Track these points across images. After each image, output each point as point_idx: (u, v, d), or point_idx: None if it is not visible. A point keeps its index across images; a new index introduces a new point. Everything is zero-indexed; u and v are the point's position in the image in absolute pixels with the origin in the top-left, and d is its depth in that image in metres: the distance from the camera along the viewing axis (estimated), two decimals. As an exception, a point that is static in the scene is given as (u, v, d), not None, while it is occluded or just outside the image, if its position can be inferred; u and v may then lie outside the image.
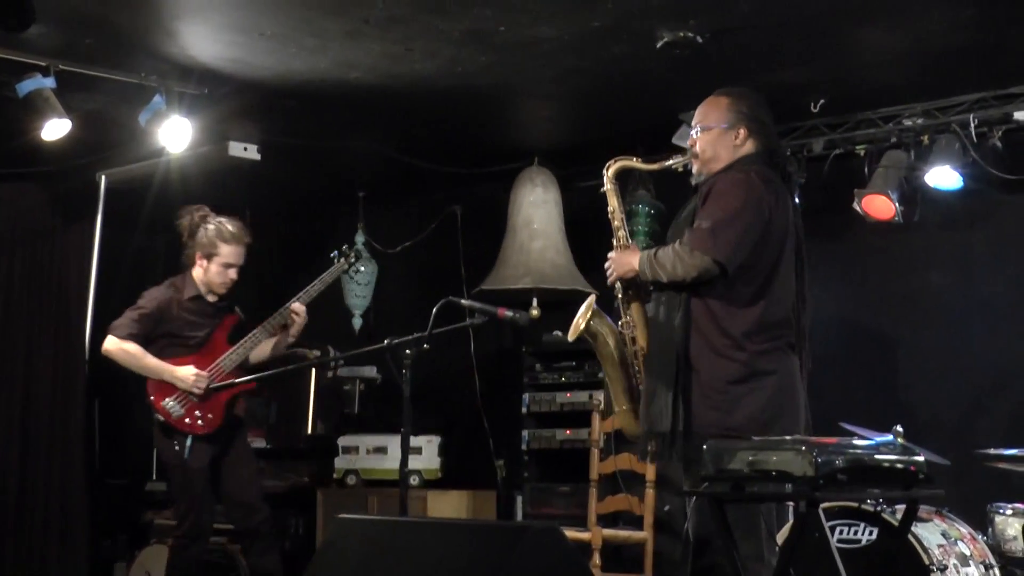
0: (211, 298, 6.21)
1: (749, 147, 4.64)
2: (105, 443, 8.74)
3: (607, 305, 4.87)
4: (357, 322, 8.72)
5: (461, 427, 8.29)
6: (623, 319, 4.74)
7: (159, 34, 6.02)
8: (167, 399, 6.00)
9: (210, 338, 6.18)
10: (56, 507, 8.44)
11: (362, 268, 8.64)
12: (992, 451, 5.30)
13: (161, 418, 6.04)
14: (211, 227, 6.14)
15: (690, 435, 4.41)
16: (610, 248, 4.82)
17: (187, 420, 6.02)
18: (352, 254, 6.45)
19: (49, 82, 6.25)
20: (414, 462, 7.65)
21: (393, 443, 7.82)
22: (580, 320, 4.78)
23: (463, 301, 5.42)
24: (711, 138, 4.67)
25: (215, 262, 6.13)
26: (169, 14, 5.76)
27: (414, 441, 7.52)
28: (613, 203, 4.90)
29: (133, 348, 6.04)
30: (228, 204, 6.66)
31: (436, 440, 8.01)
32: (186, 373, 5.99)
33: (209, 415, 6.05)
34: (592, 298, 4.85)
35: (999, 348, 6.73)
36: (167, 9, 5.70)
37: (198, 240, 6.14)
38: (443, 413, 8.19)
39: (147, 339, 6.08)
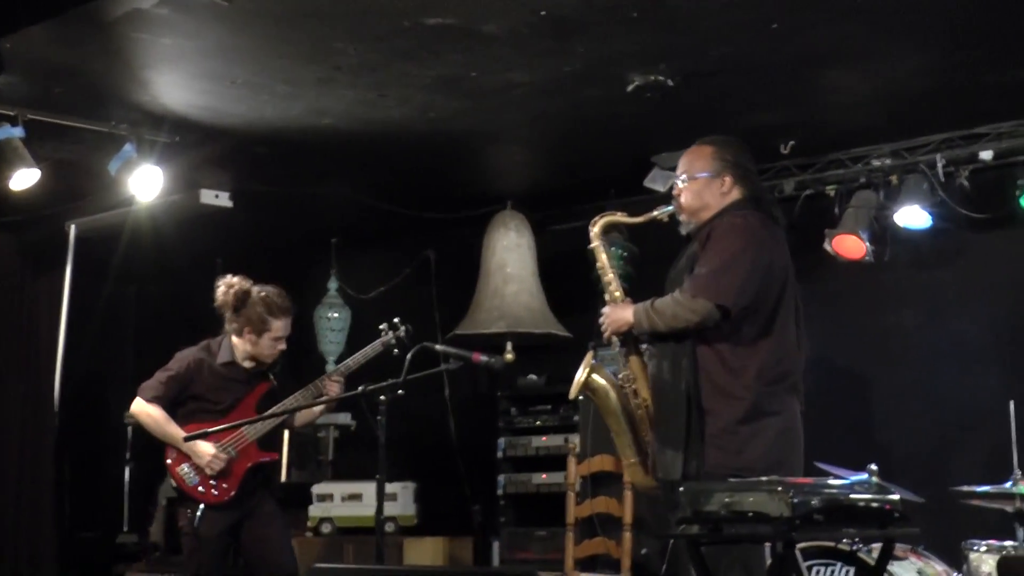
0: (247, 364, 6.04)
1: (736, 194, 4.67)
2: (76, 495, 8.66)
3: (582, 354, 4.87)
4: (331, 368, 8.69)
5: (437, 473, 8.25)
6: (623, 372, 4.72)
7: (130, 83, 6.02)
8: (183, 465, 5.88)
9: (239, 404, 6.01)
10: (25, 559, 8.35)
11: (337, 315, 8.63)
12: (966, 488, 5.30)
13: (175, 484, 5.96)
14: (258, 302, 5.97)
15: (701, 479, 4.38)
16: (582, 291, 4.83)
17: (200, 489, 5.88)
18: (402, 330, 6.28)
19: (18, 131, 6.23)
20: (390, 509, 7.62)
21: (368, 490, 7.78)
22: (580, 376, 4.75)
23: (437, 346, 5.41)
24: (698, 187, 4.69)
25: (266, 337, 5.97)
26: (140, 63, 5.76)
27: (389, 488, 7.48)
28: (602, 259, 4.90)
29: (156, 413, 5.90)
30: (200, 252, 6.64)
31: (411, 486, 7.97)
32: (205, 450, 5.82)
33: (224, 485, 5.89)
34: (591, 354, 4.83)
35: (970, 386, 6.76)
36: (138, 58, 5.69)
37: (247, 316, 5.96)
38: (418, 459, 8.15)
39: (174, 401, 5.95)
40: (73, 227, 7.84)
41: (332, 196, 7.83)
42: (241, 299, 5.97)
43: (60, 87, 6.06)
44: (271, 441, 6.18)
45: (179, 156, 6.78)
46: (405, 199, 7.98)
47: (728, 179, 4.67)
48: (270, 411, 5.95)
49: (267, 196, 7.66)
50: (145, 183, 6.57)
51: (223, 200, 7.29)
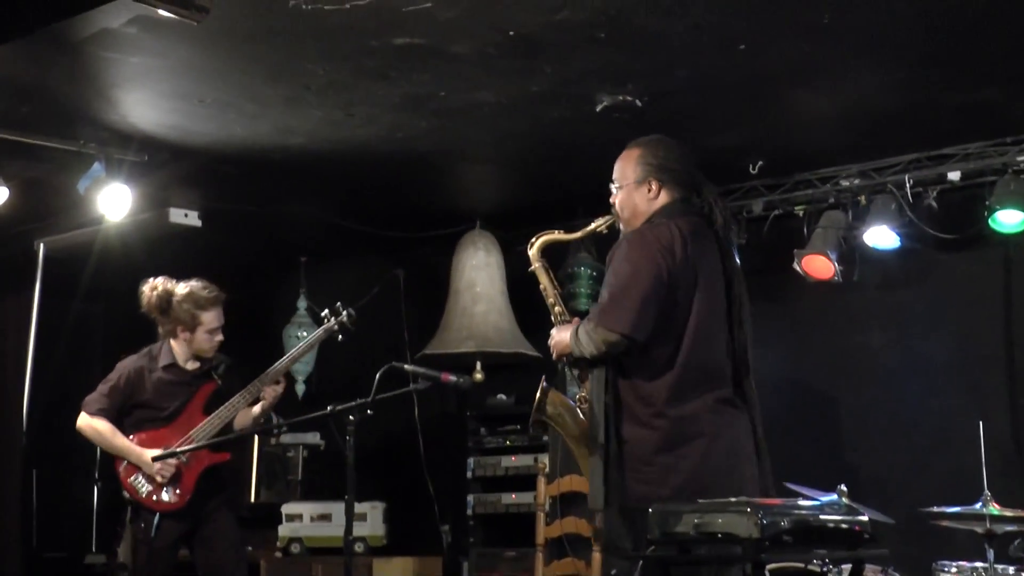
0: (190, 366, 6.03)
1: (664, 198, 4.54)
2: (43, 515, 8.59)
3: (552, 373, 4.84)
4: (300, 388, 8.67)
5: (406, 493, 8.23)
6: (580, 393, 4.63)
7: (98, 102, 5.99)
8: (135, 475, 5.85)
9: (184, 408, 5.98)
10: (-10, 581, 8.30)
11: (306, 333, 8.59)
12: (935, 509, 5.31)
13: (128, 495, 5.91)
14: (184, 299, 5.94)
15: (625, 511, 4.31)
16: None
17: (154, 497, 5.83)
18: (344, 314, 6.25)
19: (-14, 151, 6.21)
20: (359, 529, 7.60)
21: (337, 510, 7.77)
22: (536, 408, 4.69)
23: (406, 366, 5.38)
24: (626, 195, 4.61)
25: (200, 331, 5.96)
26: (108, 82, 5.74)
27: (358, 507, 7.47)
28: (544, 281, 4.83)
29: (102, 426, 5.87)
30: (169, 271, 6.60)
31: (381, 506, 7.95)
32: (149, 461, 5.80)
33: (177, 491, 5.85)
34: (543, 384, 4.76)
35: (937, 406, 6.79)
36: (106, 77, 5.67)
37: (174, 315, 5.94)
38: (388, 479, 8.14)
39: (120, 411, 5.92)
40: (42, 246, 7.79)
41: (301, 215, 7.81)
42: (166, 300, 5.96)
43: (28, 106, 6.03)
44: (240, 456, 6.15)
45: (148, 175, 6.75)
46: (374, 218, 7.96)
47: (655, 183, 4.54)
48: (216, 412, 5.96)
49: (236, 215, 7.64)
50: (114, 202, 6.54)
51: (192, 219, 7.27)
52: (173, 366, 6.00)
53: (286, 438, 8.53)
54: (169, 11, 4.35)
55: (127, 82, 5.77)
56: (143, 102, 6.04)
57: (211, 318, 5.98)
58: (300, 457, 8.56)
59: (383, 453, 7.46)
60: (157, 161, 6.70)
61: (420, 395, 7.05)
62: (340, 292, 8.77)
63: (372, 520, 7.90)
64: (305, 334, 8.57)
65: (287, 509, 8.10)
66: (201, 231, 7.34)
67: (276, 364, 6.17)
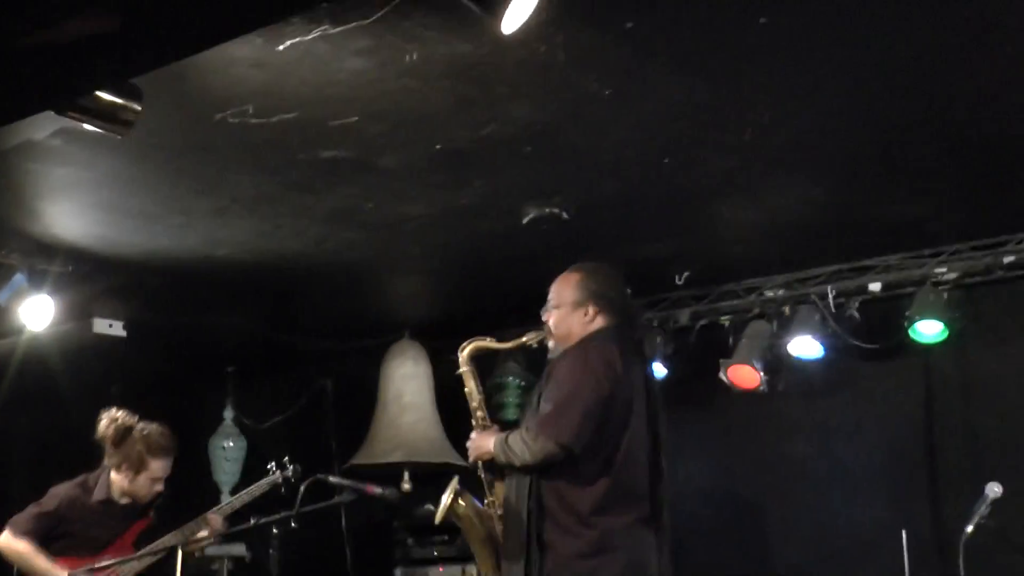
0: (123, 501, 5.90)
1: (599, 322, 4.71)
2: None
3: (477, 480, 4.87)
4: (226, 499, 8.54)
5: (333, 605, 8.12)
6: (488, 498, 4.74)
7: (21, 213, 5.95)
8: None
9: (114, 541, 5.84)
10: None
11: (232, 444, 8.53)
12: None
13: None
14: (139, 439, 5.84)
15: None
16: (485, 422, 4.85)
17: None
18: (290, 469, 6.13)
19: (-93, 263, 6.13)
20: (284, 643, 7.46)
21: (263, 624, 7.63)
22: (444, 503, 4.77)
23: (331, 478, 5.36)
24: (562, 315, 4.77)
25: (143, 476, 5.85)
26: (32, 193, 5.70)
27: (284, 621, 7.34)
28: (470, 385, 4.97)
29: (23, 547, 5.72)
30: (93, 381, 6.54)
31: (307, 619, 7.82)
32: None
33: None
34: (455, 481, 4.84)
35: (861, 514, 6.83)
36: (29, 188, 5.63)
37: (125, 452, 5.83)
38: (314, 591, 8.02)
39: (46, 536, 5.78)
40: (-39, 356, 7.69)
41: (228, 325, 7.77)
42: (122, 434, 5.86)
43: (-52, 218, 5.99)
44: (162, 569, 6.01)
45: (72, 285, 6.69)
46: (302, 328, 7.95)
47: (592, 308, 4.72)
48: (147, 548, 5.78)
49: (162, 325, 7.58)
50: (36, 312, 6.47)
51: (117, 329, 7.21)
52: (108, 500, 5.88)
53: (211, 550, 8.36)
54: (95, 125, 4.35)
55: (51, 193, 5.74)
56: (68, 213, 6.01)
57: (159, 467, 5.89)
58: (225, 569, 8.41)
59: (309, 564, 7.36)
60: (81, 272, 6.64)
61: (348, 505, 7.02)
62: (267, 402, 8.77)
63: (298, 634, 7.76)
64: (231, 444, 8.51)
65: (211, 623, 7.95)
66: (126, 341, 7.27)
67: (216, 509, 6.02)
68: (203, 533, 5.86)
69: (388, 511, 8.17)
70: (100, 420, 5.92)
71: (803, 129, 5.14)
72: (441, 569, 7.73)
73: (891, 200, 6.01)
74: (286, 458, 6.09)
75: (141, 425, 5.91)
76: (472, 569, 7.16)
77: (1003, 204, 6.11)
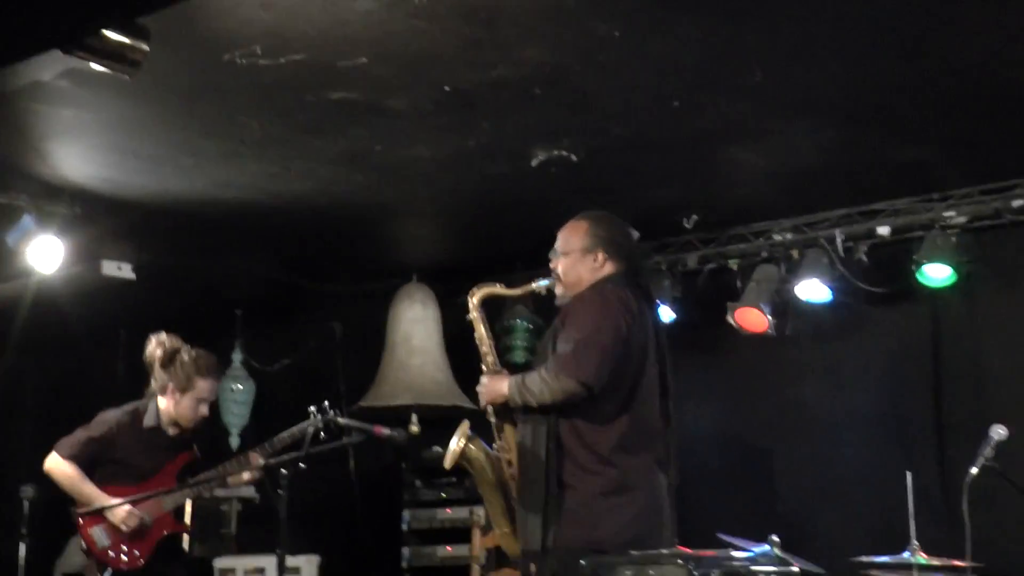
0: (172, 431, 5.96)
1: (608, 269, 4.75)
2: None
3: (484, 425, 4.89)
4: (235, 440, 8.60)
5: (341, 546, 8.17)
6: (497, 443, 4.77)
7: (29, 155, 5.96)
8: (95, 527, 5.76)
9: (159, 471, 5.90)
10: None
11: (241, 386, 8.56)
12: (864, 559, 5.35)
13: (85, 546, 5.82)
14: (187, 359, 5.90)
15: (558, 551, 4.42)
16: (489, 364, 4.88)
17: (111, 553, 5.75)
18: (331, 413, 6.09)
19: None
20: (293, 583, 7.53)
21: (271, 564, 7.68)
22: (455, 448, 4.79)
23: (340, 419, 5.37)
24: (571, 262, 4.80)
25: (189, 396, 5.89)
26: (39, 135, 5.71)
27: (293, 561, 7.41)
28: (480, 330, 4.99)
29: (71, 471, 5.78)
30: (102, 324, 6.56)
31: (315, 560, 7.86)
32: (120, 508, 5.69)
33: (135, 551, 5.77)
34: (465, 424, 4.87)
35: (868, 457, 6.85)
36: (37, 130, 5.64)
37: (173, 372, 5.88)
38: (323, 532, 8.06)
39: (92, 462, 5.83)
40: (-30, 299, 7.71)
41: (237, 268, 7.79)
42: (170, 355, 5.92)
43: (-45, 159, 5.99)
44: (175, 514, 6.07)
45: (80, 228, 6.69)
46: (311, 272, 7.96)
47: (601, 255, 4.75)
48: (192, 481, 5.86)
49: (171, 267, 7.59)
50: (45, 255, 6.47)
51: (126, 272, 7.21)
52: (157, 428, 5.93)
53: (220, 492, 8.44)
54: (102, 65, 4.33)
55: (59, 135, 5.75)
56: (75, 155, 6.01)
57: (206, 387, 5.94)
58: (234, 511, 8.47)
59: (318, 506, 7.39)
60: (89, 214, 6.65)
61: (356, 448, 7.05)
62: (276, 345, 8.79)
63: (307, 573, 7.80)
64: (240, 387, 8.53)
65: (220, 564, 8.00)
66: (135, 284, 7.28)
67: (257, 448, 6.00)
68: (245, 474, 5.91)
69: (396, 453, 8.22)
70: (148, 344, 5.97)
71: (813, 71, 5.12)
72: (449, 511, 7.79)
73: (901, 144, 6.00)
74: (326, 402, 6.07)
75: (188, 347, 5.97)
76: (480, 511, 7.20)
77: (1013, 148, 6.09)
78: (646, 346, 4.65)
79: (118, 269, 7.16)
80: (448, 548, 7.69)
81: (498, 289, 5.08)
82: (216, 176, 6.30)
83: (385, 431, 5.11)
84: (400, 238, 7.67)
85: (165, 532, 5.87)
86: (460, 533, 7.47)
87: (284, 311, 8.80)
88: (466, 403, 7.71)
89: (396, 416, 7.68)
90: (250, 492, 8.39)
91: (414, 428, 7.71)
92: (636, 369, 4.60)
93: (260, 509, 8.37)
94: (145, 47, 4.31)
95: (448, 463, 4.86)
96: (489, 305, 5.16)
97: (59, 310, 7.42)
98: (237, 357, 8.62)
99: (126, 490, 5.78)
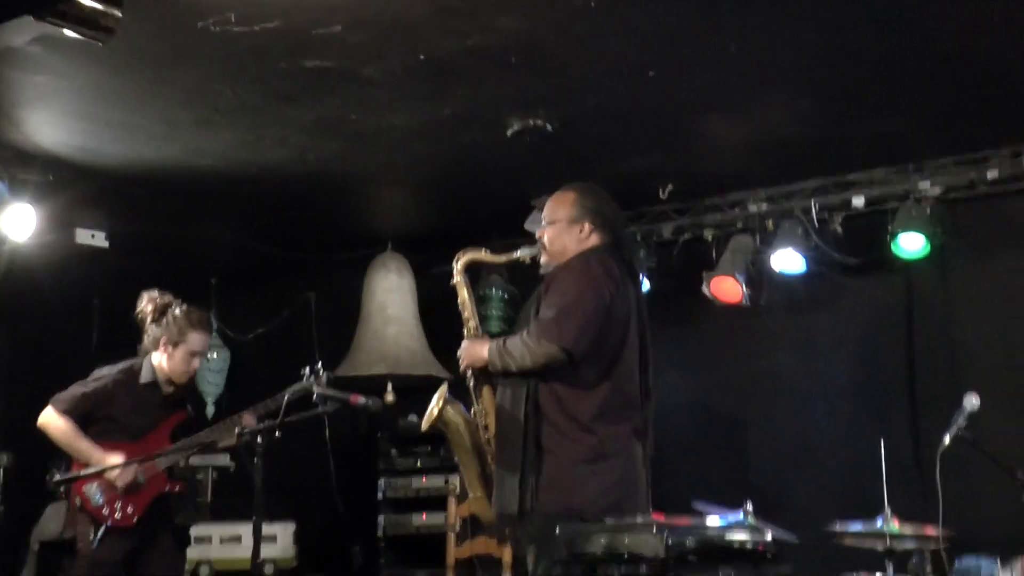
0: (167, 389, 5.95)
1: (594, 240, 4.75)
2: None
3: (462, 391, 4.90)
4: (210, 409, 8.60)
5: (316, 514, 8.17)
6: (475, 406, 4.77)
7: (0, 121, 5.91)
8: (90, 483, 5.78)
9: (153, 429, 5.89)
10: None
11: (216, 355, 8.54)
12: (838, 526, 5.39)
13: (79, 501, 5.81)
14: (178, 313, 5.89)
15: (536, 516, 4.43)
16: (462, 332, 4.87)
17: (104, 510, 5.74)
18: (324, 375, 6.10)
19: None
20: (269, 550, 7.54)
21: (247, 531, 7.66)
22: (433, 410, 4.80)
23: (315, 388, 5.37)
24: (557, 231, 4.78)
25: (181, 349, 5.87)
26: (11, 101, 5.66)
27: (269, 529, 7.42)
28: (463, 295, 4.96)
29: (66, 426, 5.74)
30: (76, 292, 6.53)
31: (291, 527, 7.89)
32: (115, 462, 5.66)
33: (129, 508, 5.75)
34: (444, 387, 4.88)
35: (842, 426, 6.90)
36: (8, 96, 5.60)
37: (165, 326, 5.87)
38: (298, 500, 8.07)
39: (86, 418, 5.80)
40: (-58, 267, 7.67)
41: (211, 236, 7.76)
42: (161, 310, 5.92)
43: (-75, 125, 5.95)
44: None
45: (53, 195, 6.66)
46: (285, 240, 7.94)
47: (587, 225, 4.75)
48: (185, 441, 5.84)
49: (145, 236, 7.56)
50: (18, 222, 6.44)
51: (99, 240, 7.19)
52: (153, 385, 5.92)
53: (195, 460, 8.41)
54: (74, 31, 4.31)
55: (32, 101, 5.71)
56: (48, 122, 5.97)
57: (197, 340, 5.92)
58: (210, 479, 8.48)
59: (293, 474, 7.40)
60: (62, 182, 6.61)
61: (331, 417, 7.03)
62: (250, 314, 8.78)
63: (282, 541, 7.83)
64: (215, 356, 8.52)
65: (196, 531, 8.00)
66: (108, 252, 7.26)
67: (250, 409, 6.01)
68: (237, 431, 5.90)
69: (372, 423, 8.22)
70: (140, 299, 5.96)
71: (788, 41, 5.12)
72: (424, 480, 7.82)
73: (875, 115, 6.01)
74: (319, 364, 6.07)
75: (179, 301, 5.96)
76: (455, 479, 7.23)
77: (986, 119, 6.12)
78: (628, 318, 4.65)
79: (91, 237, 7.14)
80: (423, 516, 7.71)
81: (483, 255, 5.07)
82: (190, 144, 6.27)
83: (361, 399, 5.11)
84: (375, 207, 7.66)
85: (159, 491, 5.87)
86: (435, 501, 7.50)
87: (259, 280, 8.78)
88: (441, 372, 7.72)
89: (371, 385, 7.68)
90: (225, 460, 8.40)
91: (389, 397, 7.72)
92: (618, 339, 4.60)
93: (235, 477, 8.38)
94: (118, 13, 4.28)
95: (425, 425, 4.86)
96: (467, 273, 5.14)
97: (32, 278, 7.38)
98: (212, 326, 8.59)
99: (120, 446, 5.77)
